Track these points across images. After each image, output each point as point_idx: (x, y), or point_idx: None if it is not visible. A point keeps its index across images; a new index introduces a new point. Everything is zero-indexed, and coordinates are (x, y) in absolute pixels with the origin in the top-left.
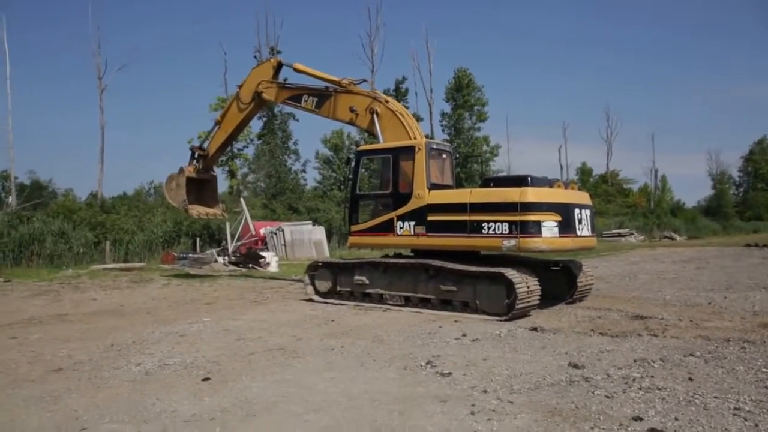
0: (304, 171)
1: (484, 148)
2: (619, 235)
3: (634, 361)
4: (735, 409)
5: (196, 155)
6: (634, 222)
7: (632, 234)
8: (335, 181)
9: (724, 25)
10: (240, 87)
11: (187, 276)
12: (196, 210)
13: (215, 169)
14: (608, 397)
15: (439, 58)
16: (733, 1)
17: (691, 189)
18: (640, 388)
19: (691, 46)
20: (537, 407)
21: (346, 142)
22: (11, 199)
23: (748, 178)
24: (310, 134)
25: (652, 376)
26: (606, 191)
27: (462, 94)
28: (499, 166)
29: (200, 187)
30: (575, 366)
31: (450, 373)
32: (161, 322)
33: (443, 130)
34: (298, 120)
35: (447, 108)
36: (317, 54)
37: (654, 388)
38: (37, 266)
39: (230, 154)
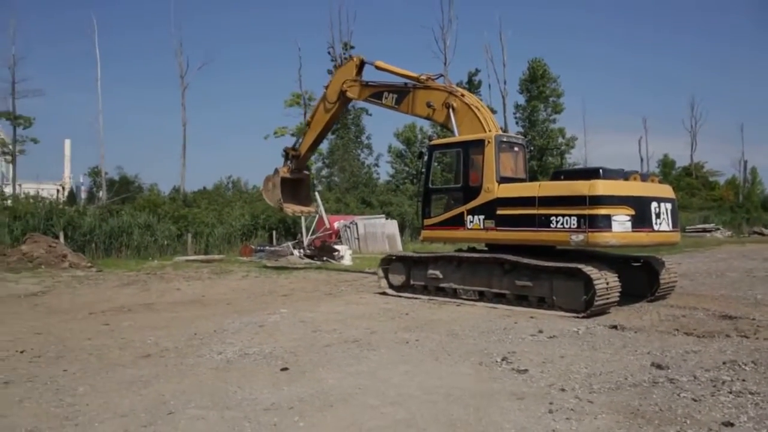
0: (377, 165)
1: (560, 140)
2: (704, 230)
3: (723, 363)
4: None
5: (289, 156)
6: (720, 216)
7: (718, 229)
8: (408, 175)
9: None
10: (326, 87)
11: (265, 268)
12: (291, 208)
13: (308, 168)
14: (695, 401)
15: (513, 49)
16: None
17: None
18: (730, 392)
19: None
20: (618, 408)
21: (419, 136)
22: (102, 194)
23: None
24: (382, 128)
25: (744, 380)
26: (690, 184)
27: (536, 85)
28: (575, 158)
29: (294, 187)
30: (659, 366)
31: (526, 370)
32: (240, 313)
33: (517, 123)
34: (371, 114)
35: (521, 100)
36: (390, 47)
37: (746, 393)
38: (125, 257)
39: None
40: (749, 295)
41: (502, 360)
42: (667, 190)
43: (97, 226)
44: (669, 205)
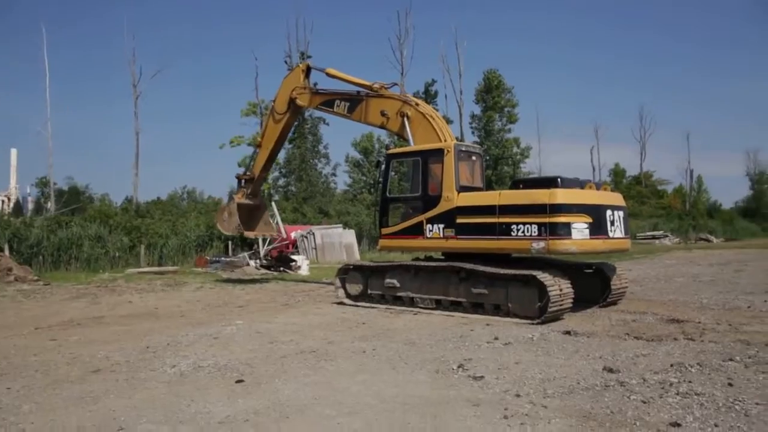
0: (334, 174)
1: (515, 150)
2: (654, 237)
3: (671, 365)
4: None
5: (242, 182)
6: (668, 224)
7: (667, 236)
8: (365, 185)
9: (758, 22)
10: (274, 100)
11: (220, 280)
12: (253, 232)
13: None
14: (644, 402)
15: (469, 60)
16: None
17: (729, 190)
18: (677, 394)
19: (727, 44)
20: (571, 412)
21: (376, 146)
22: (50, 205)
23: None
24: (340, 138)
25: (690, 381)
26: (640, 192)
27: (492, 95)
28: (530, 168)
29: (251, 212)
30: (610, 370)
31: (482, 377)
32: (195, 325)
33: (473, 133)
34: (328, 124)
35: (477, 110)
36: (347, 58)
37: (692, 394)
38: (75, 270)
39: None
40: (695, 300)
41: (458, 367)
42: (619, 199)
43: (45, 237)
44: (621, 213)
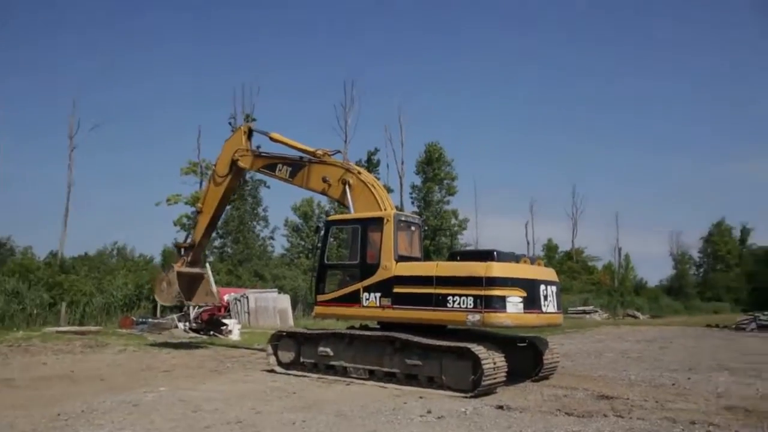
0: (272, 238)
1: (453, 221)
2: (584, 312)
3: None
4: None
5: (182, 250)
6: (598, 299)
7: (596, 311)
8: (303, 249)
9: (685, 105)
10: (215, 164)
11: (145, 344)
12: (195, 300)
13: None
14: None
15: (412, 128)
16: (697, 79)
17: (654, 268)
18: None
19: (653, 125)
20: None
21: (316, 211)
22: None
23: (708, 258)
24: (280, 201)
25: None
26: (571, 268)
27: (432, 167)
28: (467, 239)
29: (192, 282)
30: None
31: None
32: (114, 390)
33: (413, 203)
34: (269, 187)
35: (417, 180)
36: (292, 122)
37: None
38: None
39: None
40: (624, 376)
41: None
42: (552, 274)
43: None
44: (554, 288)
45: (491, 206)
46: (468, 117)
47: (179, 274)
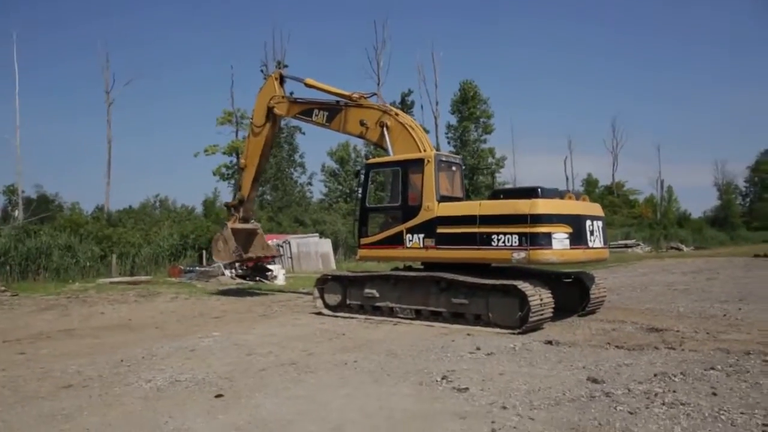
0: (310, 184)
1: (490, 160)
2: (626, 246)
3: (655, 375)
4: (763, 425)
5: (231, 208)
6: (640, 233)
7: (639, 245)
8: (341, 194)
9: (728, 32)
10: (252, 116)
11: (195, 289)
12: (254, 253)
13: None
14: (631, 414)
15: (445, 69)
16: (737, 7)
17: (698, 199)
18: (663, 404)
19: (697, 55)
20: (559, 424)
21: (352, 155)
22: (18, 213)
23: (754, 188)
24: (316, 147)
25: (674, 391)
26: (612, 202)
27: (467, 106)
28: (505, 178)
29: (247, 238)
30: (594, 381)
31: (467, 389)
32: (170, 337)
33: (449, 143)
34: (304, 133)
35: (453, 120)
36: (324, 68)
37: (677, 404)
38: (43, 280)
39: (237, 167)
40: (672, 308)
41: (443, 379)
42: (597, 209)
43: (13, 247)
44: (600, 223)
45: (528, 143)
46: (503, 52)
47: (234, 231)
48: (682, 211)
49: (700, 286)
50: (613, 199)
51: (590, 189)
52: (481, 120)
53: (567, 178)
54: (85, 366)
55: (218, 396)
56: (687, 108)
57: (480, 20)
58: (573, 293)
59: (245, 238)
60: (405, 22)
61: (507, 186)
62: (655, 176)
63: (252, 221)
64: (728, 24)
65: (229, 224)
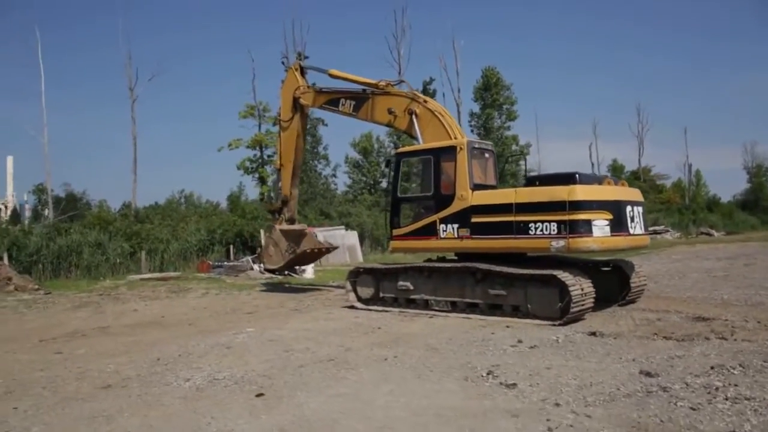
0: (334, 176)
1: (514, 147)
2: (655, 232)
3: (711, 367)
4: None
5: (274, 211)
6: (669, 218)
7: (668, 231)
8: (365, 185)
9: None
10: (279, 113)
11: (225, 284)
12: (309, 246)
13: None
14: (694, 410)
15: (466, 57)
16: None
17: (727, 183)
18: (726, 399)
19: (723, 36)
20: (618, 421)
21: (375, 145)
22: (48, 212)
23: None
24: (339, 138)
25: (736, 385)
26: (639, 188)
27: (490, 93)
28: (529, 165)
29: (296, 239)
30: (648, 374)
31: (515, 384)
32: (205, 333)
33: (472, 131)
34: (327, 125)
35: (476, 108)
36: (344, 57)
37: (741, 399)
38: (75, 277)
39: (260, 161)
40: (716, 296)
41: (488, 374)
42: (637, 194)
43: (44, 245)
44: (640, 209)
45: (552, 130)
46: (524, 40)
47: (283, 232)
48: (711, 196)
49: (740, 272)
50: (639, 184)
51: (616, 174)
52: (504, 107)
53: (592, 165)
54: (122, 365)
55: (259, 395)
56: (713, 90)
57: (501, 7)
58: (612, 282)
59: (294, 240)
60: (424, 11)
61: (533, 173)
62: (683, 160)
63: (299, 223)
64: (755, 4)
65: (277, 226)
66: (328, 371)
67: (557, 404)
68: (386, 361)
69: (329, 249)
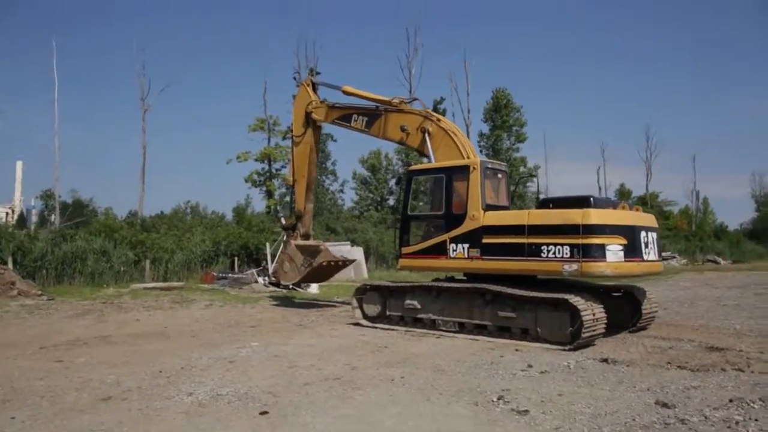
0: (341, 191)
1: (522, 169)
2: (662, 258)
3: (730, 400)
4: None
5: (288, 226)
6: (675, 245)
7: (674, 257)
8: (372, 202)
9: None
10: (291, 128)
11: (229, 296)
12: (325, 259)
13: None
14: None
15: (477, 78)
16: None
17: (734, 211)
18: None
19: (733, 64)
20: None
21: (384, 162)
22: (54, 218)
23: None
24: (347, 154)
25: (757, 420)
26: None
27: (500, 114)
28: (535, 187)
29: (311, 255)
30: (664, 405)
31: (527, 411)
32: (208, 346)
33: (481, 151)
34: (336, 140)
35: (485, 128)
36: (355, 74)
37: None
38: (78, 284)
39: (268, 174)
40: (728, 325)
41: (498, 399)
42: (651, 219)
43: (50, 251)
44: (654, 234)
45: (561, 152)
46: (534, 61)
47: (298, 247)
48: (719, 223)
49: (751, 302)
50: (647, 210)
51: (623, 199)
52: (514, 129)
53: (600, 189)
54: (123, 376)
55: (263, 413)
56: (723, 118)
57: (512, 29)
58: (622, 308)
59: (310, 255)
60: (437, 30)
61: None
62: (690, 187)
63: (314, 239)
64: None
65: (292, 241)
66: (334, 390)
67: None
68: (393, 381)
69: (346, 263)
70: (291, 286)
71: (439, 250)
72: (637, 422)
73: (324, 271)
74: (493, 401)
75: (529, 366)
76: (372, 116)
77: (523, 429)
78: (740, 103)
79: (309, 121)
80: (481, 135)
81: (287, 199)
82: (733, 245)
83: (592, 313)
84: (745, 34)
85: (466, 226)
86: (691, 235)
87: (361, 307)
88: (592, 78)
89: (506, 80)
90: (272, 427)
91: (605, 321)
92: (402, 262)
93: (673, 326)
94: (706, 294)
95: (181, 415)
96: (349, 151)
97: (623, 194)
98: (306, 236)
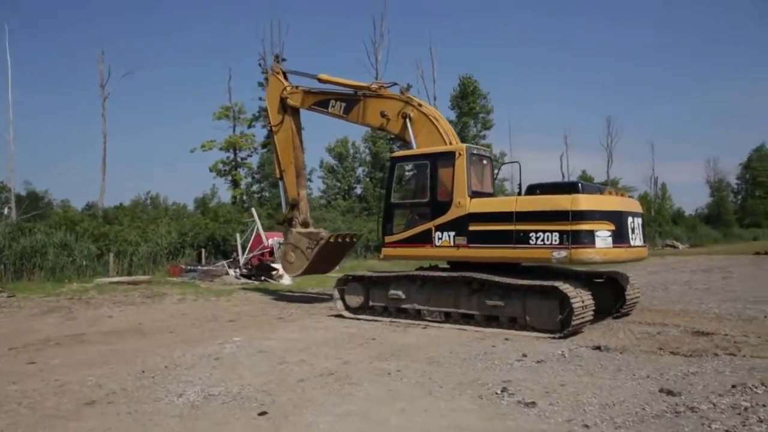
0: (309, 180)
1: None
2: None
3: (733, 386)
4: None
5: (285, 220)
6: None
7: None
8: (339, 190)
9: (722, 28)
10: (268, 120)
11: (200, 290)
12: (332, 235)
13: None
14: None
15: (443, 64)
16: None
17: (689, 196)
18: (760, 421)
19: (690, 51)
20: None
21: (351, 151)
22: (7, 211)
23: (746, 185)
24: (314, 143)
25: (765, 405)
26: None
27: (467, 101)
28: (502, 174)
29: (317, 239)
30: (669, 392)
31: (533, 403)
32: (189, 343)
33: None
34: (303, 129)
35: (452, 116)
36: (322, 61)
37: None
38: (39, 280)
39: (233, 163)
40: (705, 309)
41: (503, 391)
42: (636, 205)
43: (7, 246)
44: (639, 220)
45: (525, 139)
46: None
47: (300, 233)
48: (676, 209)
49: (720, 285)
50: None
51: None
52: (481, 115)
53: (563, 175)
54: (104, 378)
55: (262, 414)
56: (680, 105)
57: (477, 15)
58: (606, 294)
59: (315, 239)
60: (403, 17)
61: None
62: (649, 173)
63: (313, 227)
64: (721, 21)
65: (293, 231)
66: (331, 387)
67: (586, 426)
68: (389, 375)
69: (354, 239)
70: (262, 278)
71: (424, 238)
72: (648, 411)
73: (331, 255)
74: (497, 393)
75: (524, 355)
76: (350, 101)
77: (533, 422)
78: (696, 90)
79: (285, 108)
80: (449, 122)
81: (254, 188)
82: (690, 230)
83: (581, 300)
84: (701, 22)
85: (452, 214)
86: (651, 220)
87: (342, 299)
88: (557, 65)
89: (471, 67)
90: (275, 428)
91: (593, 308)
92: (385, 251)
93: (655, 311)
94: (674, 278)
95: (175, 419)
96: (316, 140)
97: (585, 180)
98: (305, 224)
